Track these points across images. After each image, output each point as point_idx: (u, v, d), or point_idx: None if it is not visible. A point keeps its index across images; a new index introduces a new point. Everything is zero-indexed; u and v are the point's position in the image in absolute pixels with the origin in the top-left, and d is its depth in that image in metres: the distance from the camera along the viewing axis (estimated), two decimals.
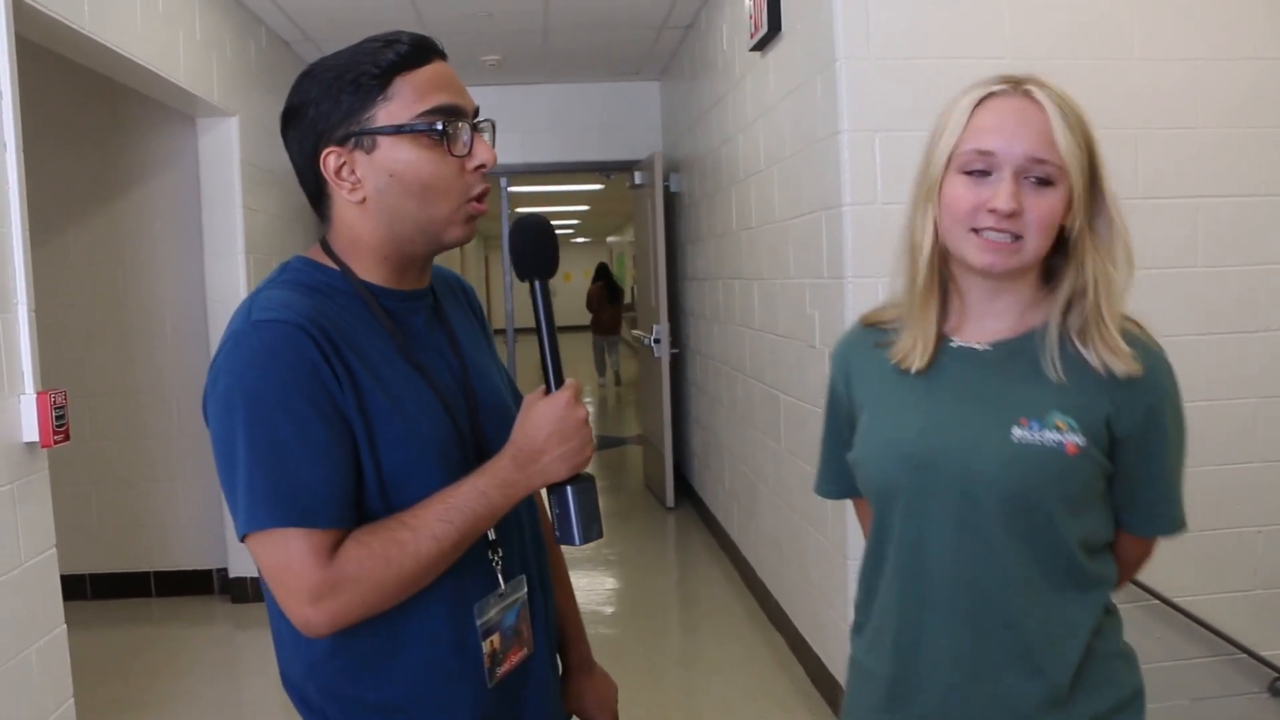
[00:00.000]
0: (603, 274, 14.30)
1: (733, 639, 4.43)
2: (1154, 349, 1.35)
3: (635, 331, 7.88)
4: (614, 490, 7.53)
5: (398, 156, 1.23)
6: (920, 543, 1.35)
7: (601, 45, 6.16)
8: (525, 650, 1.36)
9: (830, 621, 3.50)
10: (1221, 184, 3.13)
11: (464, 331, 1.40)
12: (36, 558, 2.68)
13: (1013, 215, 1.27)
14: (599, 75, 6.98)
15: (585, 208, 17.92)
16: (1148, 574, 3.09)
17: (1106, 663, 1.37)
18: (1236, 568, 3.19)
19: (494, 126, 1.31)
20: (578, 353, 16.87)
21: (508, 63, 6.37)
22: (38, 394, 2.68)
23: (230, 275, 4.88)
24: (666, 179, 6.55)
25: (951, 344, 1.39)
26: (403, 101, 1.22)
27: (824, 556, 3.51)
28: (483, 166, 1.27)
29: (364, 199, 1.24)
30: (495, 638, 1.30)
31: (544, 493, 1.31)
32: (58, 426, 2.71)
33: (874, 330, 1.48)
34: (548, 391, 1.26)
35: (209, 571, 5.23)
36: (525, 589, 1.37)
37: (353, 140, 1.23)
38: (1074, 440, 1.29)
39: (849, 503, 1.67)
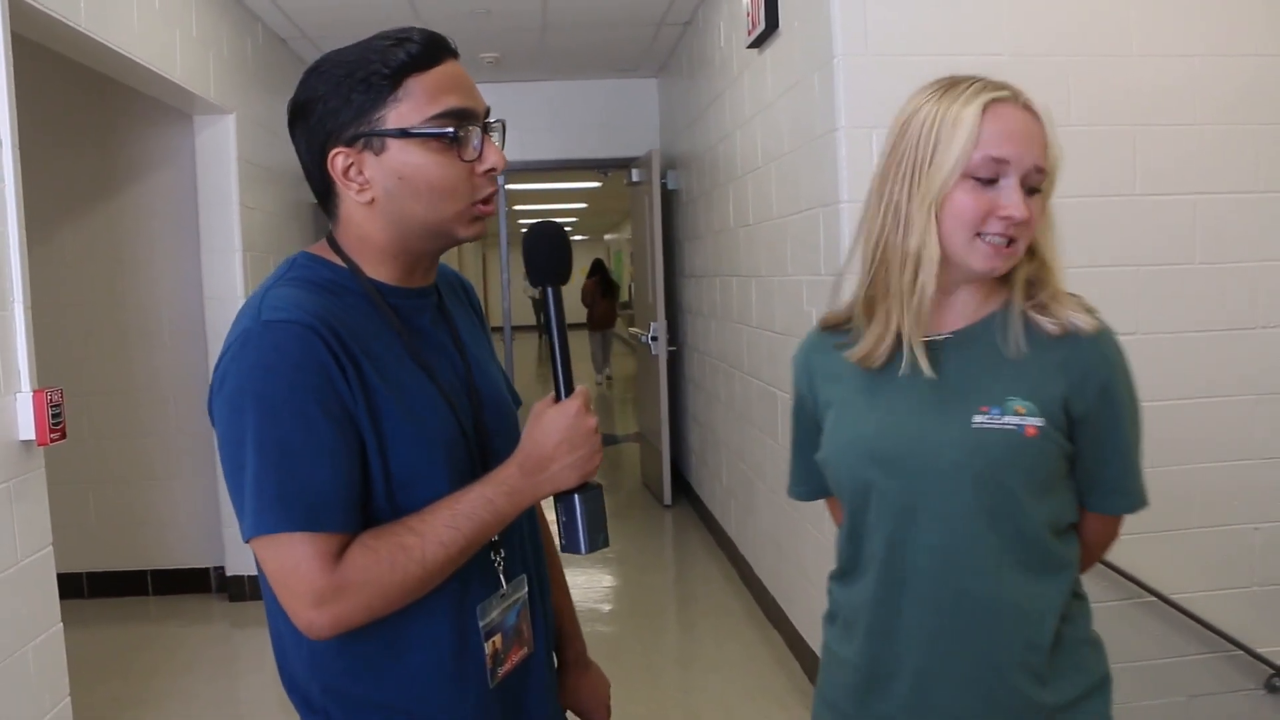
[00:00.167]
0: (597, 269, 14.56)
1: (730, 637, 4.43)
2: (1104, 326, 1.38)
3: (633, 329, 7.87)
4: (611, 488, 7.53)
5: (407, 160, 1.21)
6: (895, 536, 1.38)
7: (599, 42, 6.15)
8: (526, 650, 1.36)
9: None
10: (1220, 181, 3.13)
11: (466, 330, 1.40)
12: (33, 556, 2.68)
13: (1024, 222, 1.31)
14: (597, 72, 6.97)
15: (583, 205, 17.93)
16: (1144, 570, 3.11)
17: (1075, 649, 1.40)
18: (1234, 565, 3.19)
19: (504, 126, 1.30)
20: (577, 352, 16.86)
21: (505, 60, 6.36)
22: (34, 392, 2.67)
23: (227, 273, 4.87)
24: (664, 176, 6.55)
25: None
26: (414, 103, 1.20)
27: (822, 554, 3.51)
28: (492, 170, 1.26)
29: (372, 199, 1.23)
30: (497, 638, 1.30)
31: (550, 499, 1.31)
32: (54, 424, 2.70)
33: (833, 332, 1.51)
34: (557, 399, 1.26)
35: (206, 570, 5.23)
36: (526, 589, 1.37)
37: (362, 141, 1.21)
38: (1033, 423, 1.32)
39: None
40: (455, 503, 1.19)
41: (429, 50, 1.22)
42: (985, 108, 1.31)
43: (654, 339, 6.55)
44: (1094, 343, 1.36)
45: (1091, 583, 3.29)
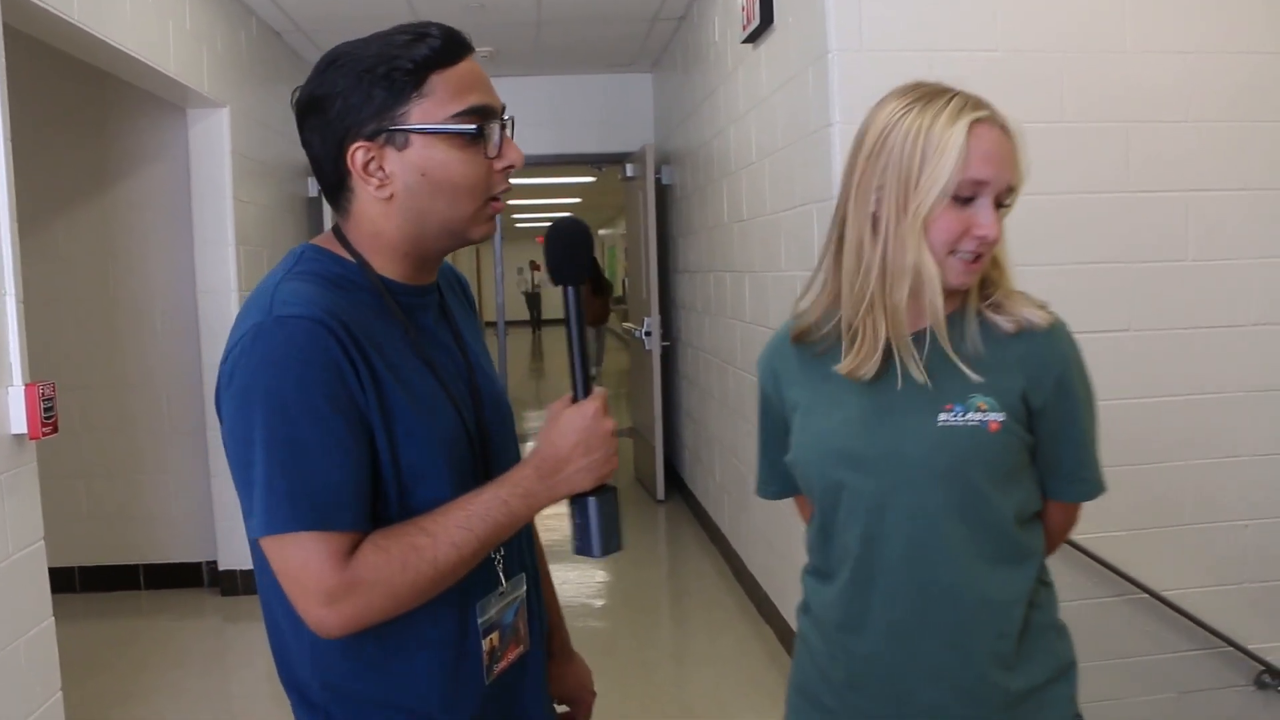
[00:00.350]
0: (591, 267, 14.58)
1: (723, 631, 4.44)
2: (1057, 320, 1.42)
3: (626, 324, 7.88)
4: None
5: (431, 156, 1.21)
6: (866, 533, 1.41)
7: (594, 37, 6.15)
8: (522, 647, 1.36)
9: None
10: (1214, 178, 3.13)
11: (466, 327, 1.40)
12: (24, 550, 2.67)
13: (995, 240, 1.35)
14: (591, 67, 6.97)
15: (577, 200, 17.91)
16: (1136, 567, 3.12)
17: (1042, 634, 1.44)
18: (1225, 561, 3.20)
19: (514, 122, 1.29)
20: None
21: (500, 55, 6.36)
22: (26, 385, 2.66)
23: (220, 267, 4.86)
24: (658, 171, 6.55)
25: None
26: (437, 100, 1.20)
27: None
28: (511, 167, 1.26)
29: (391, 195, 1.22)
30: (495, 635, 1.30)
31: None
32: (46, 418, 2.70)
33: (803, 340, 1.53)
34: (575, 399, 1.25)
35: (198, 564, 5.22)
36: (524, 587, 1.37)
37: (384, 136, 1.20)
38: (995, 418, 1.36)
39: None
40: (468, 504, 1.18)
41: (451, 46, 1.22)
42: (969, 128, 1.32)
43: (648, 334, 6.56)
44: (1049, 337, 1.40)
45: (1083, 579, 3.30)
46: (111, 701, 3.88)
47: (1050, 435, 1.41)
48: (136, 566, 5.22)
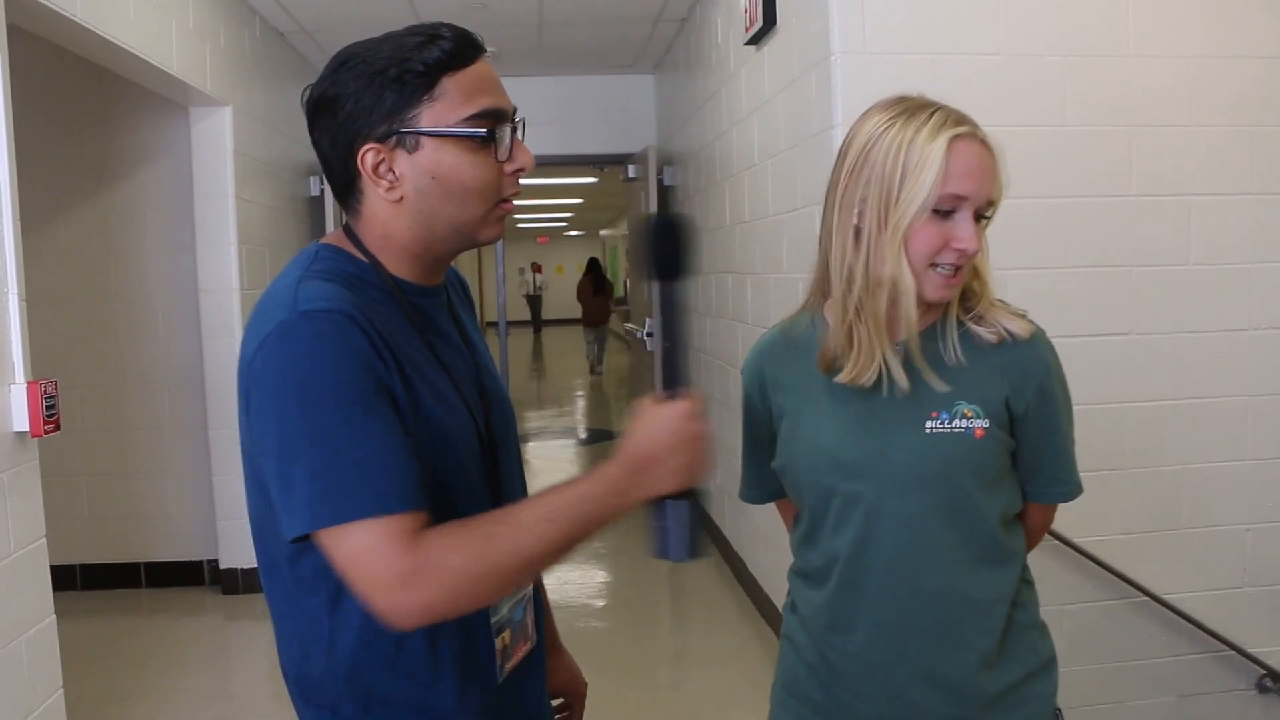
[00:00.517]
0: (592, 268, 14.95)
1: (724, 632, 4.44)
2: (1037, 330, 1.46)
3: (628, 325, 7.88)
4: None
5: (442, 159, 1.20)
6: (856, 538, 1.44)
7: (597, 38, 6.15)
8: (529, 644, 1.38)
9: None
10: (1215, 182, 3.13)
11: (471, 328, 1.41)
12: (26, 548, 2.67)
13: (974, 254, 1.37)
14: (594, 68, 6.97)
15: (579, 201, 17.91)
16: (1137, 570, 3.12)
17: (1024, 633, 1.48)
18: (1225, 565, 3.20)
19: (524, 124, 1.29)
20: (573, 347, 16.94)
21: (503, 55, 6.36)
22: (28, 383, 2.67)
23: (222, 266, 4.86)
24: (660, 172, 6.55)
25: None
26: (449, 103, 1.20)
27: None
28: (521, 170, 1.26)
29: (401, 197, 1.22)
30: (506, 633, 1.31)
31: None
32: (48, 416, 2.70)
33: (787, 340, 1.56)
34: (666, 398, 1.22)
35: (199, 563, 5.23)
36: (531, 585, 1.38)
37: (395, 138, 1.20)
38: (980, 425, 1.40)
39: None
40: (554, 497, 1.15)
41: (463, 48, 1.22)
42: (949, 144, 1.34)
43: (649, 335, 6.56)
44: (1030, 347, 1.44)
45: (1085, 582, 3.30)
46: (112, 699, 3.89)
47: (1032, 440, 1.45)
48: (138, 564, 5.23)
